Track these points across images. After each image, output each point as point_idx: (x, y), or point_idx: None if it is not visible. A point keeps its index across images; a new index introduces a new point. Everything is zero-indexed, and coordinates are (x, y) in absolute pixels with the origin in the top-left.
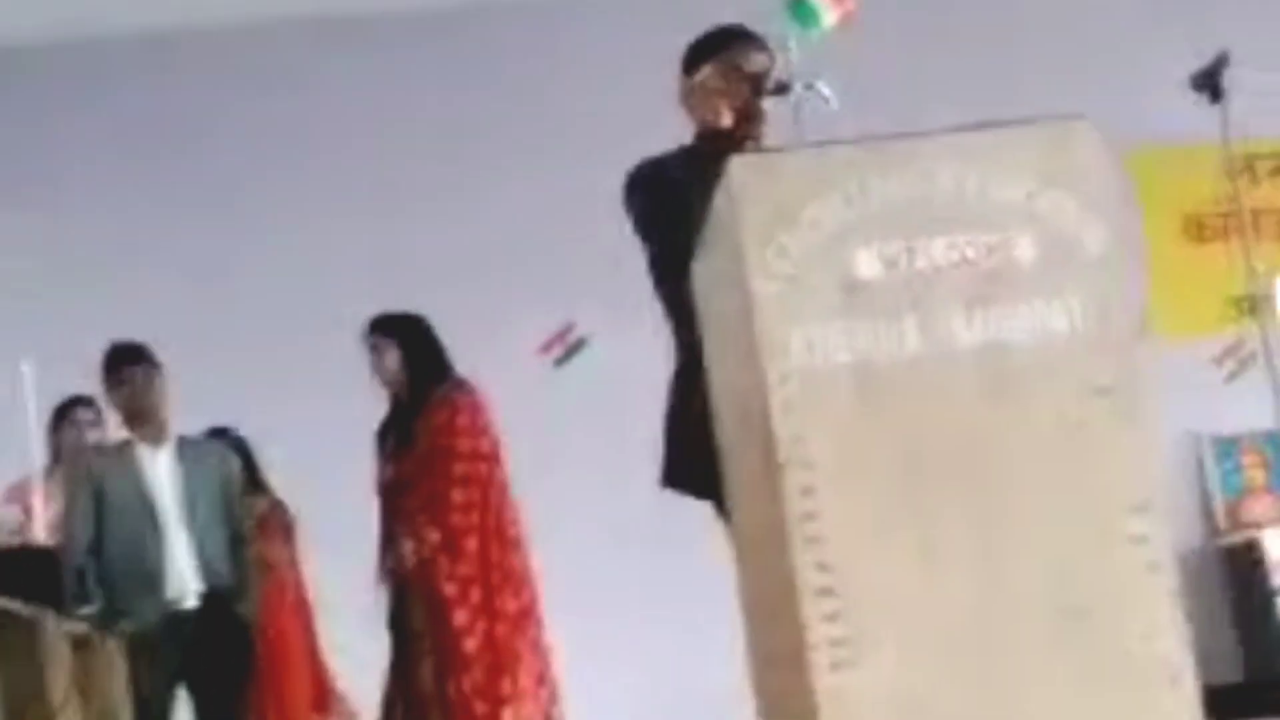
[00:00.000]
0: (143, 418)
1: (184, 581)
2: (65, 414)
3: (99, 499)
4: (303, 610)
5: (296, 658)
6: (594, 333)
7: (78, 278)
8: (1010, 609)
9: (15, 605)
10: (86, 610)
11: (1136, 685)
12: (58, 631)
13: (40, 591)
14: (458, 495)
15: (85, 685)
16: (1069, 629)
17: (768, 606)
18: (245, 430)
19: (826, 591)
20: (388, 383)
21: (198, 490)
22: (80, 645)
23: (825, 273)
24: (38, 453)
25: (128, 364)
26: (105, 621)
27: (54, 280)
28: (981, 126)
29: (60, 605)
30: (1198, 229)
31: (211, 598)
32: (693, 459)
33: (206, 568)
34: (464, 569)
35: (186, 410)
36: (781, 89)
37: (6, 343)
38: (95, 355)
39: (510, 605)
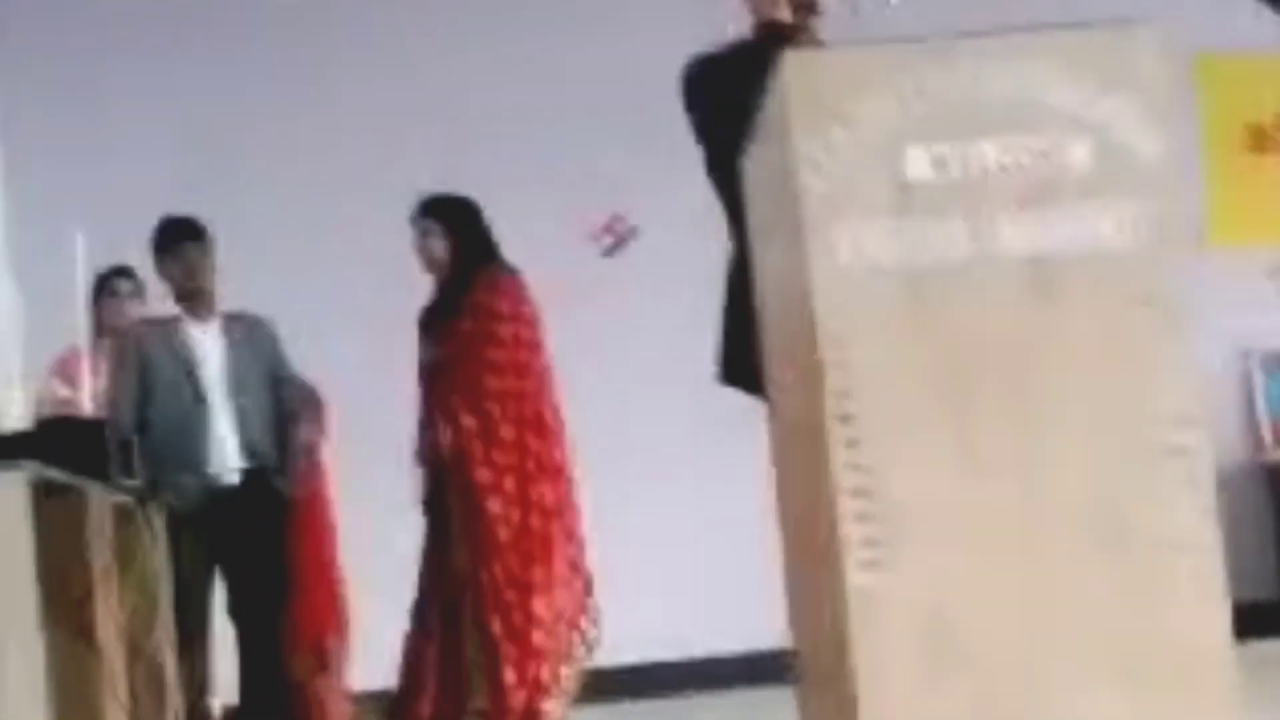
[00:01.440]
0: (193, 294)
1: (226, 458)
2: (105, 285)
3: (145, 373)
4: (329, 502)
5: (327, 548)
6: (644, 223)
7: (125, 148)
8: (1045, 517)
9: (61, 474)
10: (130, 483)
11: (1168, 598)
12: (102, 502)
13: (86, 462)
14: (494, 382)
15: (126, 557)
16: (1103, 538)
17: (803, 505)
18: (275, 310)
19: (861, 492)
20: (434, 267)
21: (243, 367)
22: (123, 517)
23: (875, 172)
24: (83, 325)
25: (182, 239)
26: (148, 495)
27: (100, 150)
28: (1040, 28)
29: (105, 477)
30: (1258, 139)
31: (252, 474)
32: (747, 355)
33: (249, 445)
34: (499, 457)
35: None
36: None
37: (57, 212)
38: (140, 227)
39: (546, 495)
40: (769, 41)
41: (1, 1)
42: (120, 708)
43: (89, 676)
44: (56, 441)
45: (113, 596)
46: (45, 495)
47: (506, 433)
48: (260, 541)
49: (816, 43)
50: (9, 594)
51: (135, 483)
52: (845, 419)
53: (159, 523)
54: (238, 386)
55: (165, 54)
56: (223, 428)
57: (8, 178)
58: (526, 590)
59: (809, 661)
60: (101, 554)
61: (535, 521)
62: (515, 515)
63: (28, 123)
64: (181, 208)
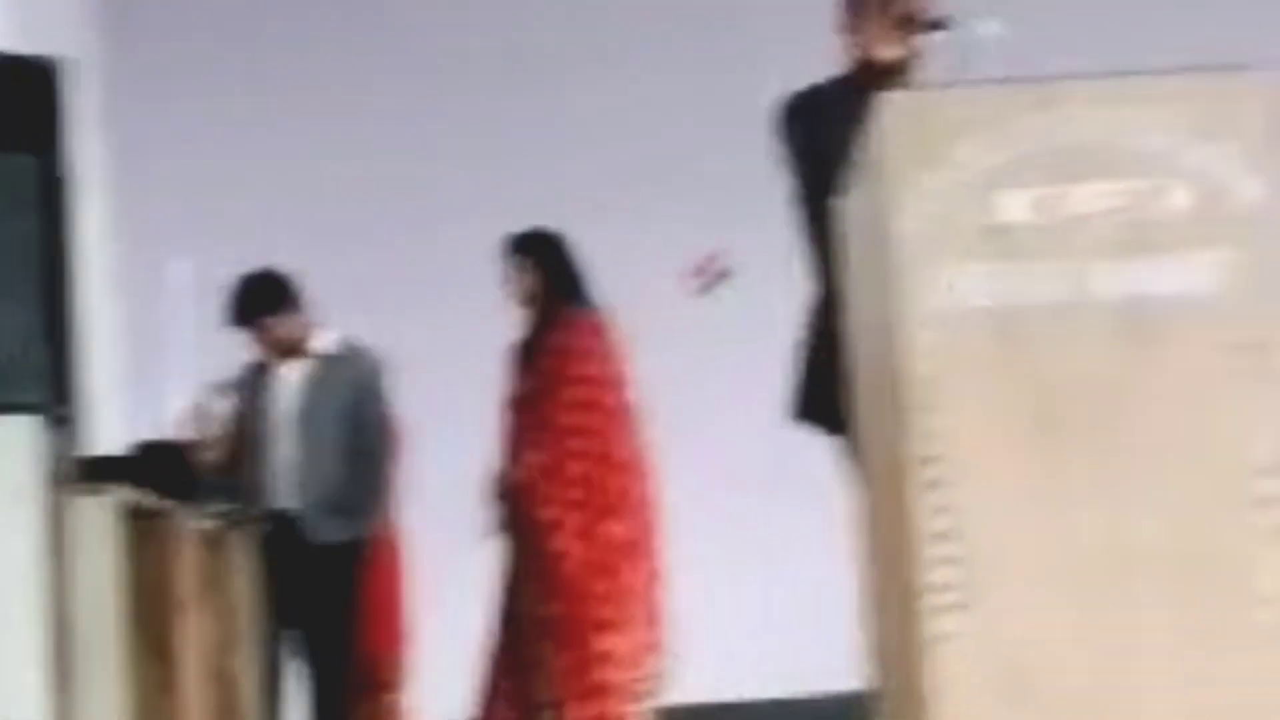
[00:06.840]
0: (282, 351)
1: (291, 492)
2: None
3: (235, 408)
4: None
5: (393, 588)
6: (740, 262)
7: (231, 181)
8: (1130, 562)
9: (149, 499)
10: (218, 508)
11: (1253, 649)
12: (190, 527)
13: (175, 487)
14: (564, 418)
15: (212, 582)
16: (1188, 587)
17: (885, 547)
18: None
19: (943, 536)
20: (522, 301)
21: (316, 405)
22: (211, 543)
23: (969, 215)
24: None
25: (266, 313)
26: (231, 522)
27: (208, 181)
28: (1138, 72)
29: (194, 502)
30: None
31: (317, 509)
32: (823, 394)
33: (313, 481)
34: (565, 493)
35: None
36: (938, 25)
37: (162, 242)
38: (251, 254)
39: (615, 532)
40: (867, 80)
41: (125, 57)
42: None
43: (169, 700)
44: (146, 466)
45: (197, 621)
46: (134, 518)
47: (574, 469)
48: (323, 580)
49: (913, 83)
50: (96, 615)
51: (222, 508)
52: (929, 461)
53: (245, 549)
54: (306, 425)
55: (271, 106)
56: (287, 464)
57: (120, 213)
58: (594, 627)
59: (887, 705)
60: (188, 579)
61: (605, 558)
62: (579, 551)
63: (145, 159)
64: (285, 245)
